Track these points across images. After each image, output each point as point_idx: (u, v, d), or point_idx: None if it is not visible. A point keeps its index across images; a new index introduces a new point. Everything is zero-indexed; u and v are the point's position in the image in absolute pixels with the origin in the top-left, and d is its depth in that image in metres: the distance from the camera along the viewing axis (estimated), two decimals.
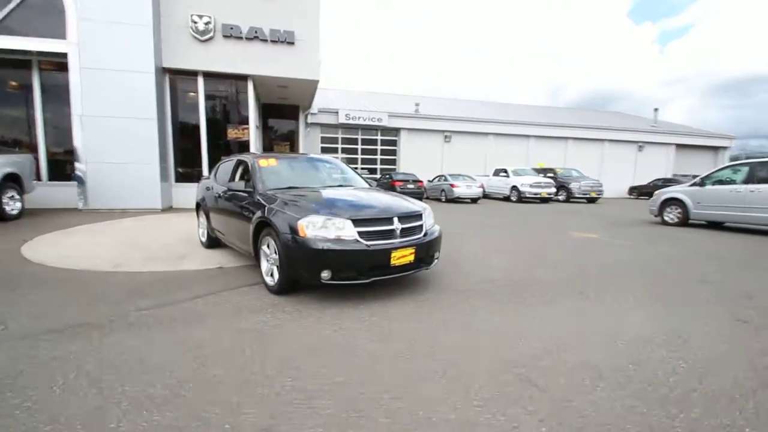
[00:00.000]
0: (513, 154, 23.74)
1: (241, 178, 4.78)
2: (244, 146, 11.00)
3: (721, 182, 8.64)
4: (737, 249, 6.34)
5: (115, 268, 4.60)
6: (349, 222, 3.30)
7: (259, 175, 4.28)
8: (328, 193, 4.00)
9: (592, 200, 18.74)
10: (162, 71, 9.79)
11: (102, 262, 4.86)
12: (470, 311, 3.23)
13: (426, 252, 3.67)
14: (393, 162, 22.75)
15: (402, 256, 3.41)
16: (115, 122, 9.10)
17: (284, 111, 14.49)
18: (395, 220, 3.50)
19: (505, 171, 18.72)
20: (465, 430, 1.70)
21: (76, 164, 9.02)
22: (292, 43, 10.40)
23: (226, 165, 5.34)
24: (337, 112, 20.67)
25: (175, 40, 9.75)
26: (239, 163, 4.93)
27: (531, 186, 17.34)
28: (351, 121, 21.14)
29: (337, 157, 5.64)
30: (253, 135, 10.90)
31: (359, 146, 22.29)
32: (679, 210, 9.23)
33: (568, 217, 11.11)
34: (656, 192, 10.06)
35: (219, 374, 2.16)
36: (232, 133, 10.87)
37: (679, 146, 26.51)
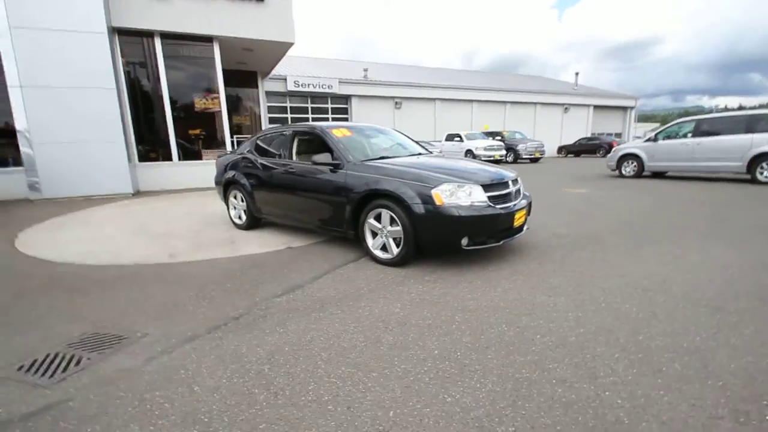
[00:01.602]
0: (458, 118, 24.61)
1: (307, 151, 4.47)
2: (215, 118, 9.99)
3: (669, 137, 10.02)
4: (711, 195, 7.55)
5: (171, 258, 4.12)
6: (479, 187, 3.35)
7: (343, 146, 4.05)
8: (429, 161, 3.95)
9: (535, 160, 20.38)
10: (112, 32, 8.33)
11: (145, 253, 4.30)
12: (588, 260, 3.55)
13: (529, 213, 3.88)
14: None
15: (520, 217, 3.58)
16: (66, 94, 7.64)
17: (241, 78, 13.22)
18: (510, 183, 3.63)
19: (459, 136, 19.42)
20: (749, 352, 1.99)
21: (22, 148, 7.48)
22: (262, 0, 9.46)
23: (274, 138, 4.91)
24: (285, 79, 19.45)
25: None
26: (297, 134, 4.58)
27: (485, 149, 18.27)
28: (300, 89, 20.08)
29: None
30: (225, 105, 9.91)
31: (310, 115, 21.37)
32: (635, 164, 10.55)
33: (537, 176, 12.06)
34: (613, 149, 11.34)
35: (491, 350, 2.19)
36: (200, 104, 9.76)
37: (596, 107, 29.64)
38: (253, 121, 14.51)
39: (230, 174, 5.34)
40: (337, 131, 4.28)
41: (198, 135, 9.99)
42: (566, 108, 28.27)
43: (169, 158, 9.52)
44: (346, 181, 3.80)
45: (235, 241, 4.76)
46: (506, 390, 1.76)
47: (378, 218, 3.62)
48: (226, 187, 5.45)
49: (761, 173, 8.26)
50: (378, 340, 2.26)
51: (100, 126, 7.97)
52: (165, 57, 9.04)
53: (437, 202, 3.22)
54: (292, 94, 20.35)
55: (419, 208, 3.27)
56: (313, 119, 21.38)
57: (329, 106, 21.80)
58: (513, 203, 3.54)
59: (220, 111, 9.87)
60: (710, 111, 67.24)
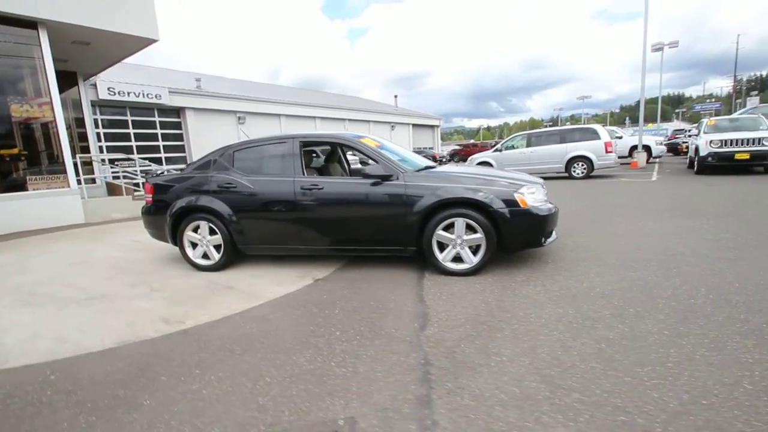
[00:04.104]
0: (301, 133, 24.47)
1: (317, 165, 3.86)
2: (44, 131, 7.19)
3: (509, 148, 12.72)
4: (574, 188, 9.94)
5: (172, 325, 2.92)
6: (542, 188, 3.67)
7: (389, 156, 3.69)
8: (473, 170, 4.02)
9: None
10: None
11: (109, 327, 2.91)
12: (588, 243, 4.32)
13: None
14: (181, 148, 19.16)
15: None
16: None
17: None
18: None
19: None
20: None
21: None
22: None
23: (266, 151, 3.99)
24: (95, 86, 15.31)
25: None
26: (305, 145, 3.90)
27: None
28: (117, 98, 16.19)
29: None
30: (60, 113, 7.25)
31: (131, 130, 17.46)
32: None
33: None
34: (470, 158, 13.59)
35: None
36: (20, 111, 6.82)
37: (414, 125, 34.46)
38: (73, 136, 10.91)
39: (185, 201, 4.06)
40: (367, 141, 3.87)
41: (17, 155, 6.96)
42: (393, 126, 31.83)
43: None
44: (406, 192, 3.50)
45: (232, 286, 3.68)
46: (739, 338, 2.11)
47: (446, 228, 3.49)
48: (177, 219, 4.10)
49: (574, 171, 11.45)
50: (606, 339, 2.28)
51: None
52: None
53: (522, 205, 3.37)
54: (106, 105, 16.21)
55: (505, 212, 3.35)
56: (137, 136, 17.58)
57: (156, 119, 18.32)
58: None
59: (54, 121, 7.14)
60: (477, 130, 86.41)
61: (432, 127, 37.26)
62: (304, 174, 3.85)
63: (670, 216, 5.52)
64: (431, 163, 4.25)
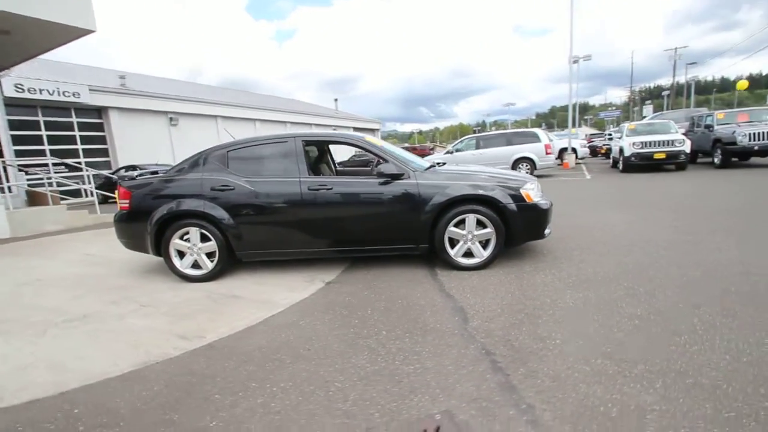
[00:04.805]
0: (242, 136, 23.36)
1: (317, 164, 3.75)
2: None
3: (459, 150, 13.33)
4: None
5: (191, 341, 2.68)
6: (538, 183, 3.93)
7: (398, 154, 3.69)
8: (475, 167, 4.16)
9: None
10: None
11: (115, 350, 2.61)
12: (582, 235, 4.72)
13: None
14: (104, 152, 17.25)
15: None
16: None
17: None
18: None
19: None
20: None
21: None
22: None
23: (265, 151, 3.77)
24: None
25: None
26: (308, 145, 3.74)
27: None
28: (26, 95, 14.17)
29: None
30: None
31: (43, 132, 15.35)
32: None
33: None
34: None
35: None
36: None
37: (355, 128, 34.57)
38: None
39: (171, 205, 3.70)
40: (371, 140, 3.85)
41: None
42: (335, 129, 31.61)
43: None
44: (419, 191, 3.55)
45: (236, 295, 3.44)
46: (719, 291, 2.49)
47: (456, 225, 3.60)
48: (162, 226, 3.72)
49: (519, 171, 12.30)
50: (636, 315, 2.52)
51: None
52: None
53: (528, 200, 3.59)
54: (12, 104, 14.02)
55: (513, 207, 3.54)
56: (50, 139, 15.49)
57: (74, 120, 16.31)
58: None
59: None
60: (410, 134, 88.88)
61: (373, 130, 37.66)
62: (307, 174, 3.71)
63: (623, 208, 6.20)
64: (431, 163, 4.35)
